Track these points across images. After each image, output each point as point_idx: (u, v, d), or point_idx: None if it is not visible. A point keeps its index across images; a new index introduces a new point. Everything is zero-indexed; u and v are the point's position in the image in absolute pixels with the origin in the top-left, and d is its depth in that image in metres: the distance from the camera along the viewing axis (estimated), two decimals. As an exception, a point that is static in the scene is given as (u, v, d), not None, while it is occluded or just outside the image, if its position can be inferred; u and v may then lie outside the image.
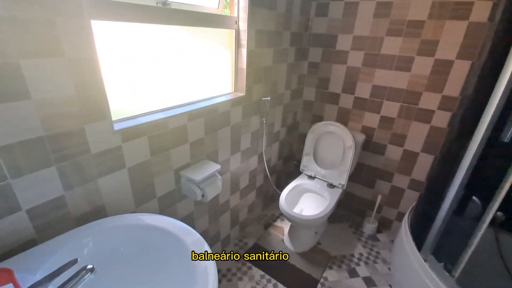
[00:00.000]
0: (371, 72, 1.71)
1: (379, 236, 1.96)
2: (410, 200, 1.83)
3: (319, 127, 1.82)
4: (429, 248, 1.28)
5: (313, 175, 1.90)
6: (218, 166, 1.22)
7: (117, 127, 0.87)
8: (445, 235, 1.27)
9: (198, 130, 1.19)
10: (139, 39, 0.95)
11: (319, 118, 2.05)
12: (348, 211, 2.17)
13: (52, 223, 0.77)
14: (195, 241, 0.74)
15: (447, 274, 1.15)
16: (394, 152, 1.80)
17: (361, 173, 1.99)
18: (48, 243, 0.69)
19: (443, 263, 1.21)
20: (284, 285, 1.50)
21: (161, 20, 0.95)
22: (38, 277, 0.62)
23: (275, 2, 1.42)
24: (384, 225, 2.02)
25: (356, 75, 1.77)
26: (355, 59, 1.73)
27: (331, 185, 1.82)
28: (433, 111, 1.57)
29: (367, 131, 1.85)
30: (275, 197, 2.24)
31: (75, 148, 0.77)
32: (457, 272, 1.11)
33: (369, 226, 1.96)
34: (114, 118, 0.89)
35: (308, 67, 1.96)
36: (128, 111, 0.97)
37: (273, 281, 1.53)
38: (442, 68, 1.48)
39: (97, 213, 0.89)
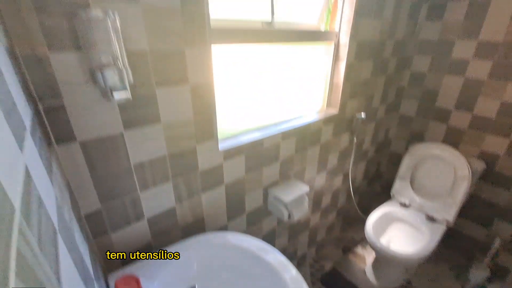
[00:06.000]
0: (502, 86, 1.36)
1: (489, 286, 1.56)
2: (550, 253, 1.39)
3: (421, 149, 1.56)
4: None
5: (407, 203, 1.65)
6: (306, 188, 1.17)
7: (221, 146, 0.91)
8: None
9: (289, 148, 1.16)
10: (241, 59, 0.98)
11: (419, 137, 1.76)
12: (450, 249, 1.80)
13: (164, 230, 0.85)
14: (293, 278, 0.70)
15: None
16: (528, 189, 1.39)
17: (473, 208, 1.62)
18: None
19: None
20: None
21: (267, 40, 0.95)
22: (156, 285, 0.68)
23: (382, 9, 1.27)
24: (498, 274, 1.59)
25: (478, 88, 1.44)
26: (479, 69, 1.41)
27: (431, 219, 1.54)
28: None
29: (488, 158, 1.49)
30: (357, 219, 2.05)
31: (187, 166, 0.83)
32: None
33: (478, 274, 1.58)
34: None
35: (410, 78, 1.70)
36: (227, 129, 1.01)
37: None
38: None
39: (198, 224, 0.95)
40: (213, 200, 0.96)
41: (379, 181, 2.05)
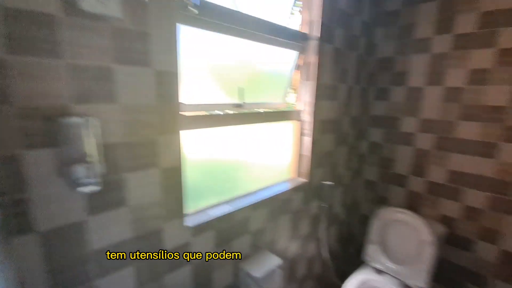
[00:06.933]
0: (445, 156, 1.56)
1: None
2: (521, 319, 1.40)
3: (386, 213, 1.64)
4: None
5: (382, 268, 1.64)
6: (279, 261, 1.15)
7: (189, 223, 0.91)
8: None
9: (260, 219, 1.18)
10: (213, 139, 1.06)
11: (384, 200, 1.87)
12: (429, 319, 1.74)
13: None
14: None
15: None
16: (486, 251, 1.47)
17: (444, 272, 1.65)
18: None
19: None
20: None
21: (235, 122, 1.06)
22: None
23: (337, 94, 1.49)
24: None
25: (427, 157, 1.63)
26: (424, 140, 1.63)
27: (407, 286, 1.52)
28: (536, 207, 1.30)
29: (447, 221, 1.60)
30: (334, 286, 1.96)
31: (151, 246, 0.81)
32: None
33: None
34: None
35: (369, 146, 1.90)
36: (197, 205, 1.03)
37: None
38: (540, 157, 1.27)
39: (161, 312, 0.87)
40: (178, 282, 0.91)
41: (353, 243, 2.06)
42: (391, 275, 1.61)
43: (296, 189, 1.35)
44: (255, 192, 1.22)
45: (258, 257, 1.17)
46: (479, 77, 1.39)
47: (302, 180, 1.40)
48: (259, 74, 1.22)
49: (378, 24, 1.72)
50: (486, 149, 1.41)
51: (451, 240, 1.59)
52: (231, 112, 1.06)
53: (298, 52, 1.29)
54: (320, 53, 1.29)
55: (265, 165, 1.35)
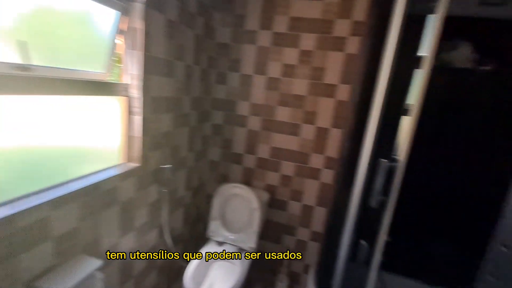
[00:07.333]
0: (269, 135, 1.87)
1: (289, 293, 1.95)
2: (313, 251, 1.95)
3: (224, 189, 1.78)
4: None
5: (222, 240, 1.79)
6: (97, 263, 0.96)
7: None
8: (347, 280, 1.37)
9: (68, 219, 0.93)
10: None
11: (226, 178, 2.03)
12: (261, 271, 2.10)
13: None
14: None
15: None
16: (295, 207, 1.93)
17: (269, 231, 2.02)
18: None
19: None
20: None
21: (26, 90, 0.75)
22: None
23: (174, 71, 1.41)
24: (295, 280, 2.04)
25: (257, 137, 1.90)
26: (254, 123, 1.88)
27: (241, 249, 1.74)
28: (320, 170, 1.81)
29: (271, 189, 1.95)
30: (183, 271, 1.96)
31: None
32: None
33: (281, 285, 1.94)
34: None
35: (212, 128, 1.98)
36: None
37: None
38: (323, 134, 1.76)
39: None
40: None
41: (202, 223, 2.13)
42: (230, 244, 1.79)
43: (126, 175, 1.17)
44: (62, 184, 0.95)
45: (69, 266, 0.92)
46: (289, 71, 1.74)
47: (134, 165, 1.24)
48: (59, 27, 0.91)
49: (217, 8, 1.77)
50: (293, 129, 1.81)
51: (273, 204, 1.96)
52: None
53: (119, 13, 1.08)
54: (148, 19, 1.15)
55: (85, 150, 1.08)
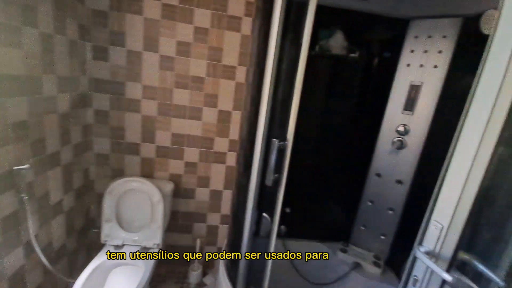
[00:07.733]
0: (169, 121, 1.70)
1: (205, 279, 1.94)
2: (225, 234, 1.97)
3: (118, 186, 1.54)
4: (241, 282, 1.38)
5: (120, 243, 1.57)
6: None
7: None
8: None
9: None
10: None
11: (121, 172, 1.77)
12: (171, 265, 1.99)
13: None
14: None
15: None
16: (203, 194, 1.88)
17: (177, 221, 1.90)
18: None
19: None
20: None
21: None
22: None
23: (20, 39, 1.05)
24: (210, 266, 2.04)
25: (154, 124, 1.70)
26: (149, 107, 1.67)
27: (146, 249, 1.58)
28: (225, 153, 1.80)
29: (175, 178, 1.82)
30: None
31: None
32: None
33: (194, 274, 1.89)
34: None
35: (95, 115, 1.64)
36: None
37: None
38: (225, 117, 1.74)
39: None
40: None
41: (97, 228, 1.81)
42: (131, 245, 1.59)
43: None
44: None
45: None
46: (184, 49, 1.60)
47: (-40, 170, 0.88)
48: None
49: (85, -36, 1.41)
50: (195, 113, 1.71)
51: (179, 193, 1.85)
52: None
53: None
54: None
55: None
